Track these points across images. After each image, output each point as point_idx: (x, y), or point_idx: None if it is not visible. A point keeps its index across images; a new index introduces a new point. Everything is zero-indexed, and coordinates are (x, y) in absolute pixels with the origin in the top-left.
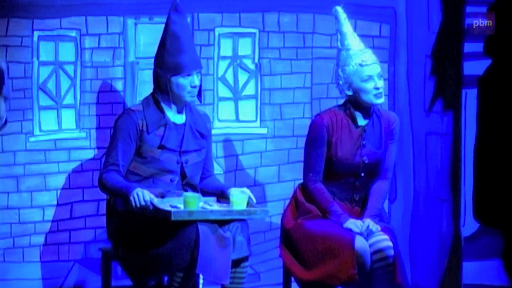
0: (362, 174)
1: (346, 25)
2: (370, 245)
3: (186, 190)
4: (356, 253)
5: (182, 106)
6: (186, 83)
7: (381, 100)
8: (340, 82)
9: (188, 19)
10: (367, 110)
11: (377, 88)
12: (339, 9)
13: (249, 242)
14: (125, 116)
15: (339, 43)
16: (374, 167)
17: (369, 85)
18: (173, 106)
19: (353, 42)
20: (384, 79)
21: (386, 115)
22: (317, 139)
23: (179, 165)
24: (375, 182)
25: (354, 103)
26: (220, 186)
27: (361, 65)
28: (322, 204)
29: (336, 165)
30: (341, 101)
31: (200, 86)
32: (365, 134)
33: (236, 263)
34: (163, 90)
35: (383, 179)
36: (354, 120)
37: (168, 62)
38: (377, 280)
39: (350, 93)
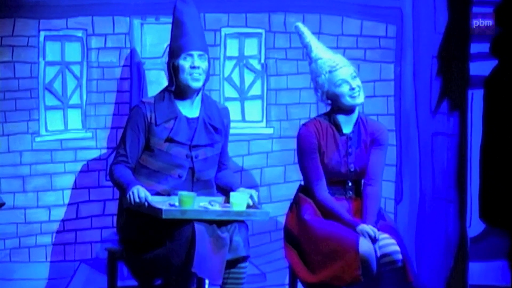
0: (349, 182)
1: (309, 37)
2: (378, 249)
3: (192, 190)
4: (361, 256)
5: (192, 95)
6: (187, 64)
7: (359, 100)
8: (319, 94)
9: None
10: (351, 113)
11: (352, 89)
12: (300, 24)
13: (247, 243)
14: (135, 108)
15: (307, 57)
16: (361, 174)
17: (344, 89)
18: (185, 98)
19: (320, 51)
20: (390, 80)
21: (372, 125)
22: (308, 148)
23: (189, 160)
24: (365, 188)
25: (337, 109)
26: (231, 183)
27: (331, 71)
28: (333, 214)
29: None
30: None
31: (208, 74)
32: (351, 142)
33: (232, 264)
34: (171, 80)
35: (374, 185)
36: (338, 128)
37: (172, 47)
38: (385, 284)
39: (329, 101)
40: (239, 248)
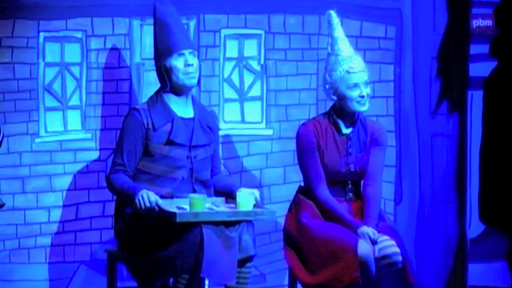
0: (349, 183)
1: (338, 30)
2: (378, 251)
3: (194, 191)
4: (359, 258)
5: (186, 94)
6: (180, 63)
7: (364, 108)
8: (327, 87)
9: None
10: (351, 116)
11: (362, 96)
12: (333, 13)
13: (254, 242)
14: (130, 116)
15: (329, 48)
16: (361, 174)
17: (354, 93)
18: (178, 99)
19: (343, 47)
20: (390, 81)
21: (371, 125)
22: (308, 147)
23: (189, 161)
24: (365, 189)
25: (339, 109)
26: (230, 184)
27: (348, 72)
28: (334, 215)
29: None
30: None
31: (200, 73)
32: (350, 142)
33: (241, 263)
34: (164, 82)
35: (374, 185)
36: (338, 128)
37: (160, 49)
38: (386, 285)
39: (335, 98)
40: (248, 248)
